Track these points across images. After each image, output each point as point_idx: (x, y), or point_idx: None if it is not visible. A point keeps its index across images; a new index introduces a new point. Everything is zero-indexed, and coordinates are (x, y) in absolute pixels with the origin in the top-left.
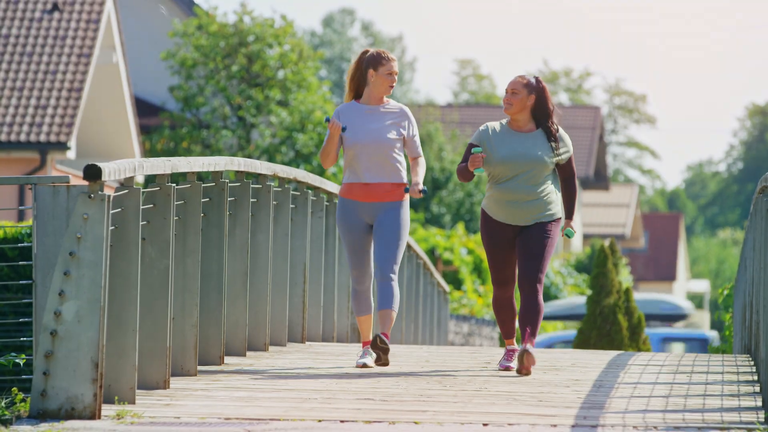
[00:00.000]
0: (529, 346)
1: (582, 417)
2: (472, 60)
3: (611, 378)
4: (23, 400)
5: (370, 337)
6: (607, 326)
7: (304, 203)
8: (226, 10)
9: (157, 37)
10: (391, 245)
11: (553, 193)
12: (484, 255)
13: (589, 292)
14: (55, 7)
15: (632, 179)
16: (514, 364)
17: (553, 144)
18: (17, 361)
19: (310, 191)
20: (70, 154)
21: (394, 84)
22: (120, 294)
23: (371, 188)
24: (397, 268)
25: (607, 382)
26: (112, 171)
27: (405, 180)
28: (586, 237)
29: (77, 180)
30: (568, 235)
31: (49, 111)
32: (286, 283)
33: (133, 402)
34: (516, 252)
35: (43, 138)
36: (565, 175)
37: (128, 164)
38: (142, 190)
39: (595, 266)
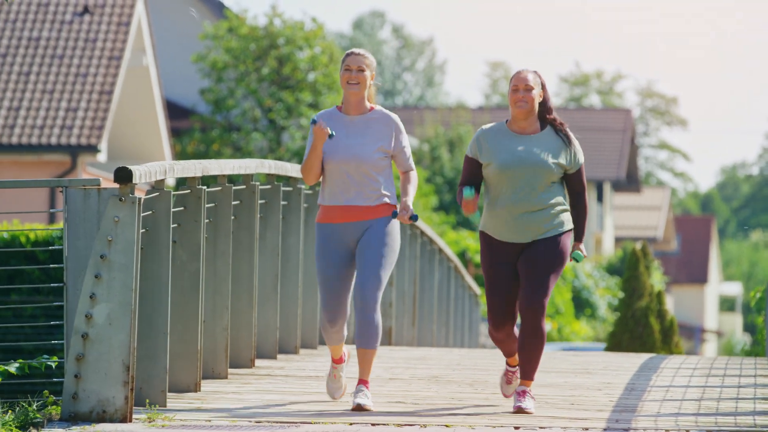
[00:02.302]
0: (525, 401)
1: (614, 420)
2: (504, 62)
3: (643, 381)
4: (55, 403)
5: (342, 355)
6: (639, 329)
7: None
8: (257, 12)
9: (188, 39)
10: (374, 268)
11: (561, 204)
12: None
13: (621, 294)
14: (86, 9)
15: (664, 182)
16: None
17: (565, 141)
18: (49, 363)
19: None
20: (101, 157)
21: (357, 83)
22: (151, 297)
23: (351, 209)
24: (380, 295)
25: (639, 385)
26: (142, 174)
27: (393, 201)
28: (618, 240)
29: (108, 183)
30: (576, 259)
31: (80, 114)
32: (317, 286)
33: (164, 405)
34: (516, 284)
35: (73, 141)
36: (575, 189)
37: (159, 167)
38: (172, 192)
39: (627, 269)
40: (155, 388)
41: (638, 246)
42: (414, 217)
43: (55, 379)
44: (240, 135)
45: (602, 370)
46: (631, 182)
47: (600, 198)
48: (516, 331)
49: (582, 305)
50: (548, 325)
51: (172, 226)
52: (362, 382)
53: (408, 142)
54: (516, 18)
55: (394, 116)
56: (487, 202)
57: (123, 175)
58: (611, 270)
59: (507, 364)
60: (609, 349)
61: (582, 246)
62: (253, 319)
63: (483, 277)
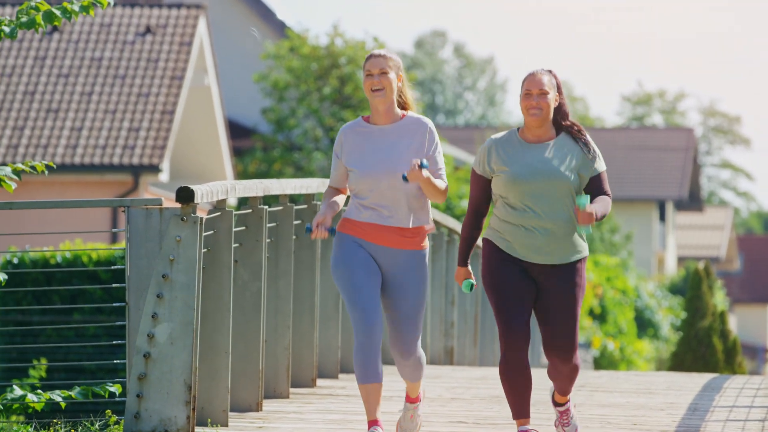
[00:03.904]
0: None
1: None
2: (566, 81)
3: (706, 401)
4: (117, 423)
5: (378, 415)
6: (702, 349)
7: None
8: (319, 32)
9: (250, 59)
10: (414, 316)
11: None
12: None
13: (683, 314)
14: (148, 29)
15: (727, 201)
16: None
17: (584, 148)
18: (112, 390)
19: None
20: (163, 177)
21: (381, 89)
22: (212, 316)
23: (383, 231)
24: (419, 339)
25: (702, 405)
26: (204, 193)
27: (430, 222)
28: (681, 259)
29: (170, 202)
30: (580, 205)
31: (142, 134)
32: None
33: (226, 424)
34: (531, 297)
35: (135, 161)
36: (597, 194)
37: (220, 186)
38: (234, 212)
39: (690, 289)
40: (217, 408)
41: (701, 266)
42: (423, 165)
43: (117, 399)
44: (301, 154)
45: (665, 390)
46: (693, 201)
47: (662, 217)
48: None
49: (644, 325)
50: (611, 344)
51: (233, 245)
52: (411, 400)
53: (441, 154)
54: (578, 37)
55: (427, 121)
56: (499, 211)
57: (185, 195)
58: (674, 290)
59: (518, 427)
60: (672, 368)
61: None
62: (315, 339)
63: (488, 294)
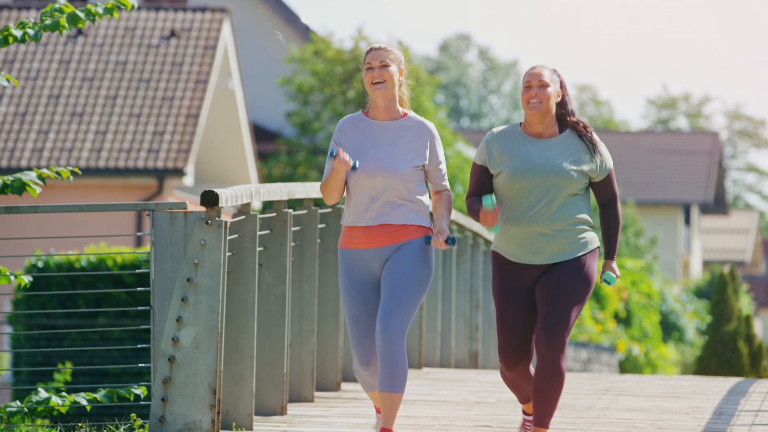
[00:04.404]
0: None
1: None
2: (591, 85)
3: (732, 405)
4: (142, 426)
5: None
6: (727, 353)
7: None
8: (343, 35)
9: (274, 62)
10: (402, 294)
11: (586, 220)
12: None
13: (708, 318)
14: (173, 33)
15: (752, 205)
16: None
17: (589, 145)
18: (137, 392)
19: None
20: (188, 181)
21: (383, 81)
22: (237, 320)
23: (377, 231)
24: (406, 325)
25: (727, 409)
26: (229, 197)
27: (426, 223)
28: (706, 263)
29: (194, 206)
30: (608, 282)
31: (167, 137)
32: None
33: (250, 428)
34: (533, 314)
35: (160, 164)
36: (604, 199)
37: (245, 190)
38: (259, 216)
39: (715, 292)
40: (242, 412)
41: (726, 269)
42: (451, 240)
43: (141, 403)
44: (326, 158)
45: (690, 394)
46: (718, 205)
47: (687, 221)
48: (532, 370)
49: (669, 329)
50: (635, 348)
51: (258, 249)
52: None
53: (444, 158)
54: (602, 40)
55: (430, 124)
56: (499, 216)
57: (209, 199)
58: (699, 293)
59: (523, 412)
60: (697, 372)
61: (614, 265)
62: (340, 343)
63: (495, 302)
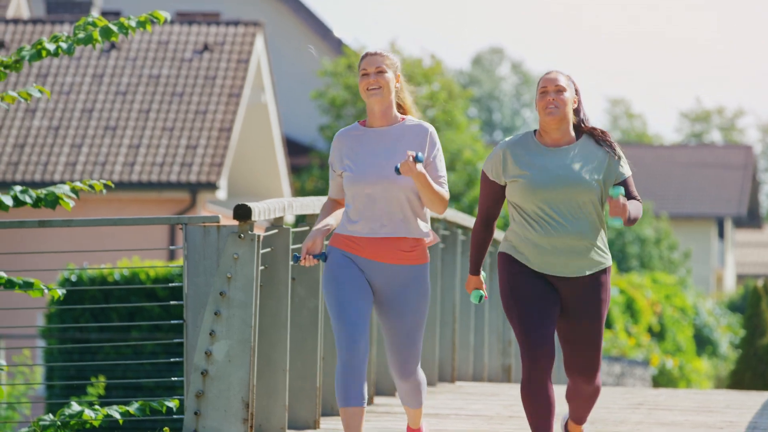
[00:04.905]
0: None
1: None
2: (624, 98)
3: (766, 420)
4: None
5: None
6: (761, 367)
7: (453, 243)
8: (376, 49)
9: (307, 76)
10: (413, 334)
11: (603, 232)
12: (636, 294)
13: (742, 332)
14: (206, 47)
15: None
16: None
17: (609, 151)
18: (170, 405)
19: (459, 230)
20: (220, 194)
21: (378, 88)
22: (270, 333)
23: (378, 243)
24: (420, 357)
25: (761, 423)
26: (261, 211)
27: (431, 235)
28: (740, 277)
29: (227, 220)
30: (614, 194)
31: (200, 151)
32: (436, 323)
33: None
34: (555, 309)
35: (193, 178)
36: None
37: (278, 204)
38: (291, 229)
39: (749, 307)
40: (274, 425)
41: (760, 283)
42: (419, 158)
43: (174, 416)
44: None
45: (724, 408)
46: (752, 219)
47: (721, 234)
48: (551, 385)
49: (703, 343)
50: (669, 362)
51: (290, 263)
52: (411, 430)
53: (442, 160)
54: (636, 53)
55: (428, 125)
56: (514, 223)
57: (242, 213)
58: (733, 307)
59: None
60: (731, 386)
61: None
62: (372, 356)
63: (507, 310)
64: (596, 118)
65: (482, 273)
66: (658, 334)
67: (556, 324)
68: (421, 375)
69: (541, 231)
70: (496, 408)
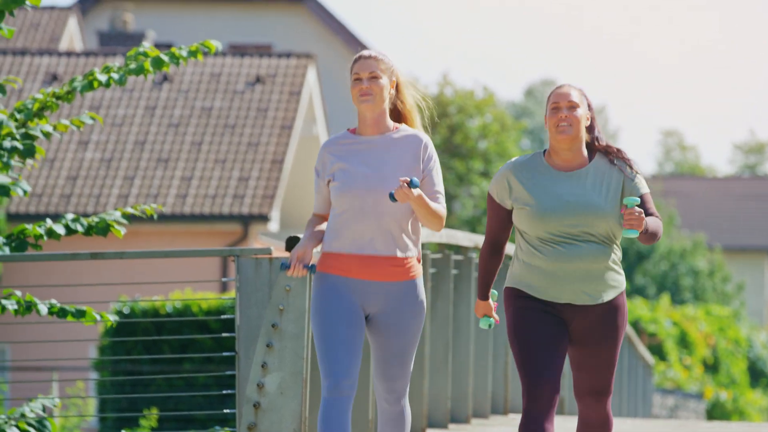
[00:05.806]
0: None
1: None
2: (677, 130)
3: None
4: None
5: None
6: None
7: (505, 275)
8: (428, 81)
9: None
10: (405, 356)
11: (618, 256)
12: (689, 327)
13: None
14: (258, 79)
15: None
16: None
17: (625, 170)
18: None
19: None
20: (272, 226)
21: (370, 95)
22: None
23: (365, 261)
24: (408, 383)
25: None
26: None
27: (418, 252)
28: None
29: (280, 252)
30: (629, 204)
31: (252, 183)
32: (489, 355)
33: None
34: (563, 348)
35: (245, 210)
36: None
37: None
38: None
39: None
40: None
41: None
42: (414, 183)
43: None
44: None
45: None
46: None
47: None
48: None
49: (757, 375)
50: (723, 395)
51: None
52: None
53: (440, 173)
54: (689, 85)
55: (423, 135)
56: (520, 251)
57: (294, 244)
58: None
59: None
60: None
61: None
62: (425, 388)
63: (512, 347)
64: (649, 150)
65: (493, 293)
66: (712, 367)
67: (563, 364)
68: (408, 410)
69: (550, 255)
70: None
